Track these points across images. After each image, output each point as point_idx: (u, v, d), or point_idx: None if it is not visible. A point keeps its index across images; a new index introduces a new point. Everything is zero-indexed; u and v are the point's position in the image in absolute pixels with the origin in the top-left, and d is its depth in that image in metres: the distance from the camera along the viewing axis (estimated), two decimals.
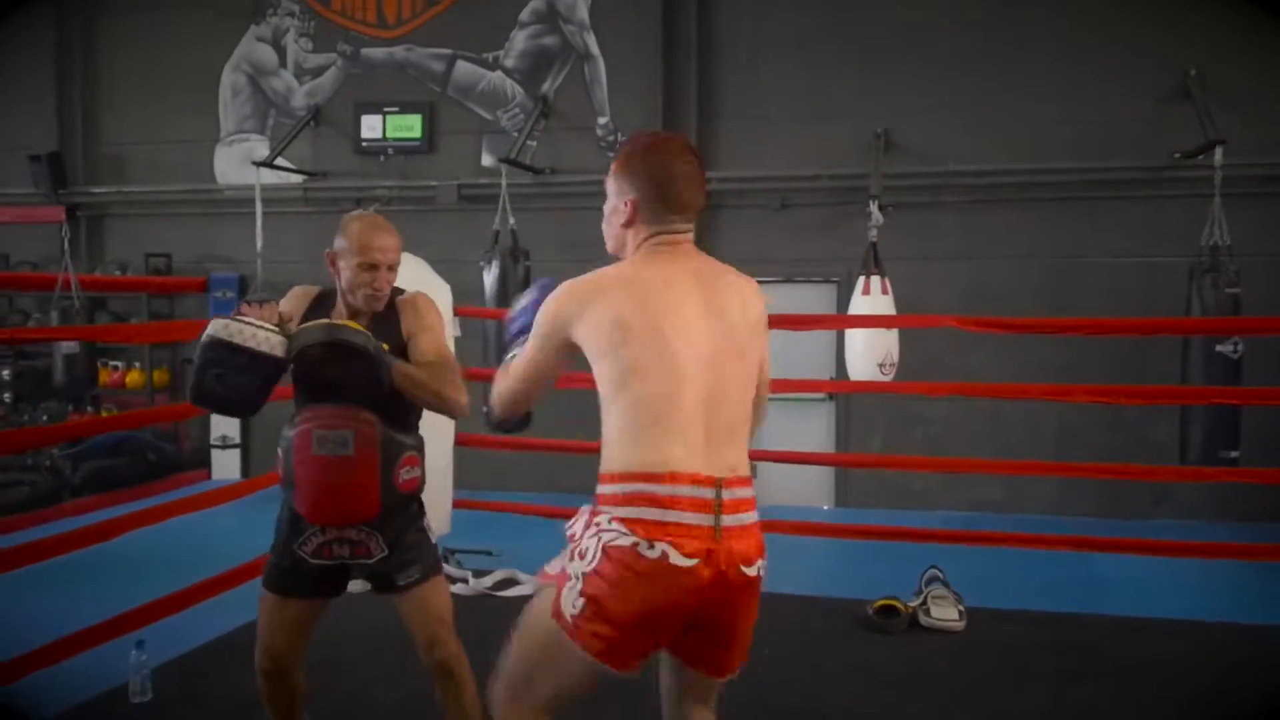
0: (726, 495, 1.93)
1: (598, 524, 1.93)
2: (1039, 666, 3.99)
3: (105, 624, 3.72)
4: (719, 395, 1.98)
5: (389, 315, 2.71)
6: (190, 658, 4.06)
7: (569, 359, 2.10)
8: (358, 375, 2.53)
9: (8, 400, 9.06)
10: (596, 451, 2.02)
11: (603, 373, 1.99)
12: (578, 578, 1.92)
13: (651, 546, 1.87)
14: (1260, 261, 6.69)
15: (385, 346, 2.57)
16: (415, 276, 4.07)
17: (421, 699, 2.90)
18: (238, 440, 9.09)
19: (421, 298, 2.82)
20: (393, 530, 2.69)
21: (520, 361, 2.17)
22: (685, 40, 8.25)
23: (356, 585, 2.78)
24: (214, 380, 2.54)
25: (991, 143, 7.70)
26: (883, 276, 6.54)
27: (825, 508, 8.03)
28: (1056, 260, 7.63)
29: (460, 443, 5.23)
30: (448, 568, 4.97)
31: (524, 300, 2.33)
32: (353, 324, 2.58)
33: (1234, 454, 6.21)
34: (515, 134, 8.50)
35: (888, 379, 6.42)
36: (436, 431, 4.66)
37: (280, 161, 8.78)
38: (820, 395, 8.11)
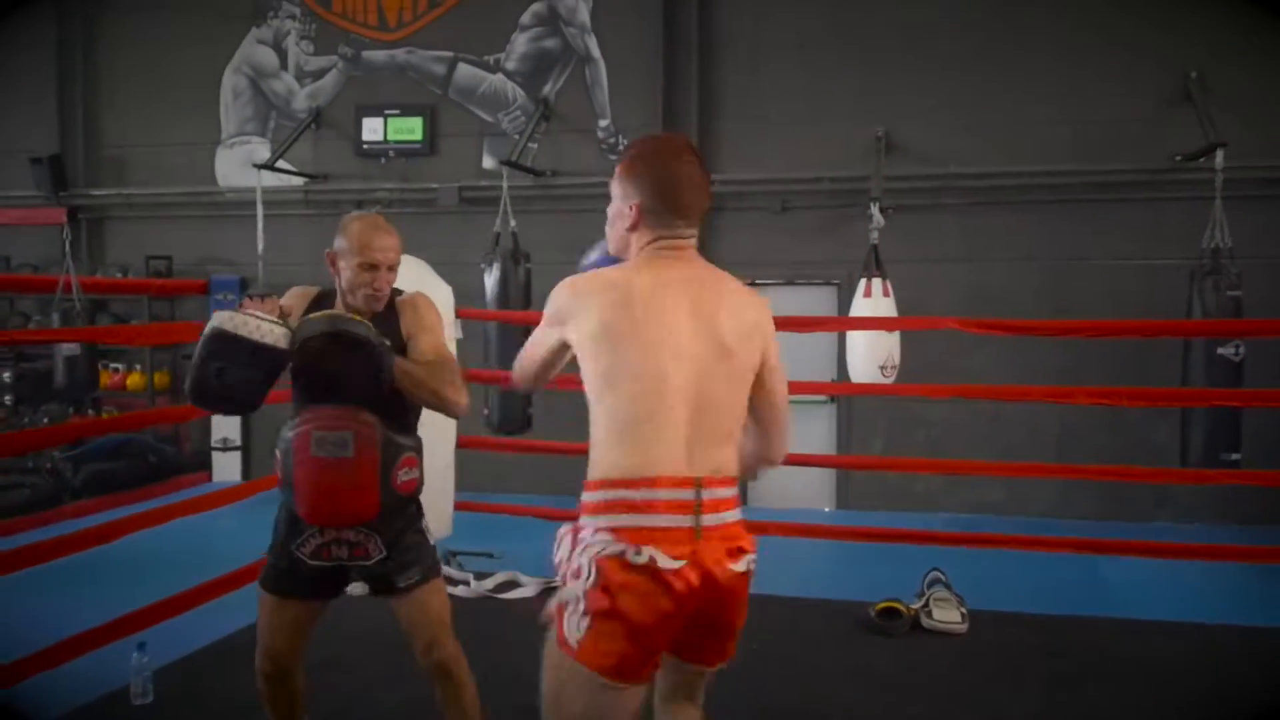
0: (706, 495, 1.95)
1: (583, 540, 1.93)
2: (1040, 669, 3.99)
3: (106, 626, 3.72)
4: (703, 401, 1.98)
5: (388, 315, 2.71)
6: (191, 660, 4.06)
7: (567, 351, 2.11)
8: (359, 369, 2.53)
9: (8, 402, 9.07)
10: None
11: (588, 374, 2.01)
12: (578, 598, 1.91)
13: (639, 552, 1.88)
14: (1261, 264, 6.69)
15: (387, 342, 2.57)
16: (416, 278, 4.06)
17: (421, 700, 2.90)
18: (238, 443, 9.09)
19: (421, 298, 2.82)
20: (391, 532, 2.69)
21: (531, 339, 2.20)
22: (686, 43, 8.25)
23: (356, 588, 2.78)
24: (214, 376, 2.53)
25: (992, 145, 7.71)
26: (884, 279, 6.54)
27: (826, 510, 8.03)
28: (1057, 263, 7.63)
29: (462, 445, 5.23)
30: (449, 570, 4.97)
31: (593, 254, 2.33)
32: (355, 316, 2.59)
33: (1235, 456, 6.20)
34: (516, 136, 8.50)
35: (889, 381, 6.42)
36: (438, 433, 4.66)
37: (281, 164, 8.78)
38: (821, 397, 8.11)
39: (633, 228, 2.10)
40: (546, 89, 8.62)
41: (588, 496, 1.98)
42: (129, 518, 4.08)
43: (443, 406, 2.66)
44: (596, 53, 8.51)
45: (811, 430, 7.99)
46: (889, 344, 6.41)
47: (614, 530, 1.90)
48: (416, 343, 2.69)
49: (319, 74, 9.13)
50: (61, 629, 3.63)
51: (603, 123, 8.52)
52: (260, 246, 8.49)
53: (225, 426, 9.06)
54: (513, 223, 7.36)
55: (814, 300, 8.00)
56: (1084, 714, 3.64)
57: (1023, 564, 5.44)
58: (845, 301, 7.60)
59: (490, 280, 7.16)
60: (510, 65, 8.72)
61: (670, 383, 1.95)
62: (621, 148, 8.43)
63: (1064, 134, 7.60)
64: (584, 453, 2.02)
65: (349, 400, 2.59)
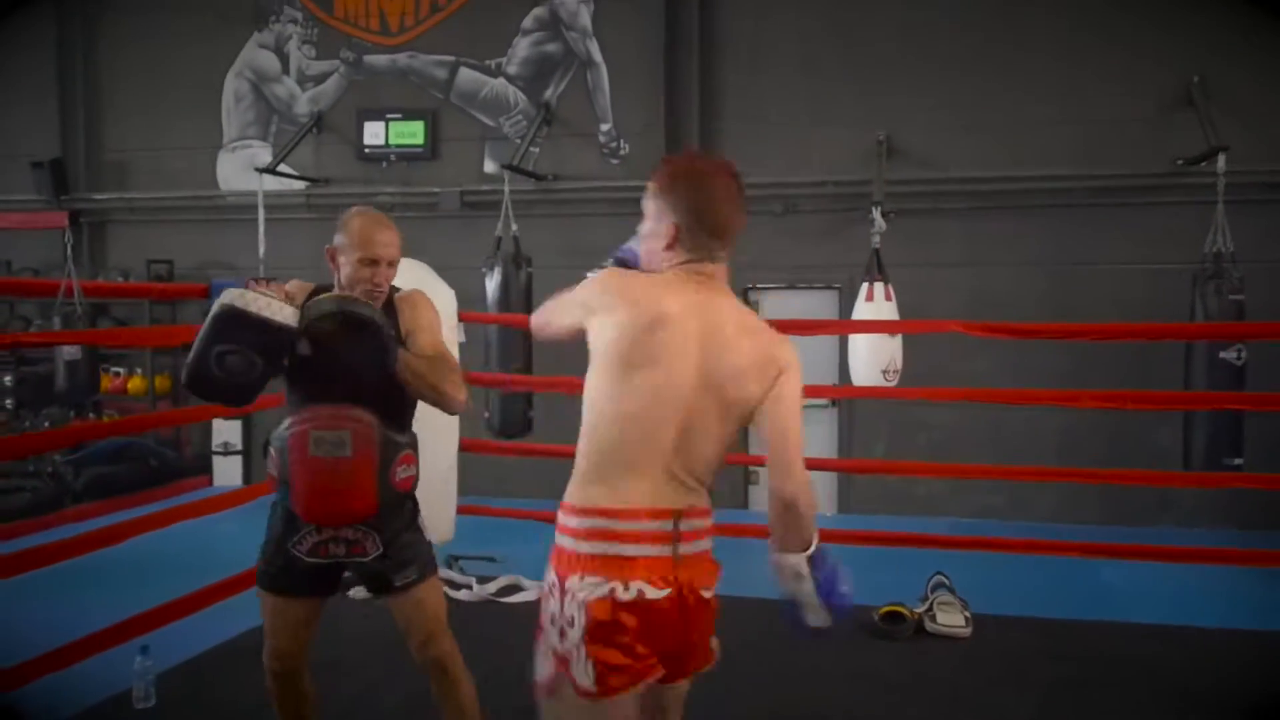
0: (684, 526, 1.97)
1: (569, 589, 1.94)
2: (1043, 672, 3.99)
3: (109, 629, 3.72)
4: (692, 436, 1.98)
5: (387, 312, 2.70)
6: (194, 663, 4.06)
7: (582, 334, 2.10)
8: (365, 352, 2.52)
9: (9, 406, 9.06)
10: None
11: (589, 385, 2.02)
12: (578, 646, 1.92)
13: (627, 588, 1.91)
14: (1263, 268, 6.69)
15: (392, 331, 2.57)
16: (418, 281, 4.06)
17: (424, 700, 2.89)
18: (239, 446, 9.08)
19: (419, 295, 2.82)
20: (389, 529, 2.68)
21: (559, 303, 2.18)
22: (687, 47, 8.25)
23: (358, 592, 2.78)
24: (215, 360, 2.50)
25: (993, 148, 7.71)
26: (886, 283, 6.53)
27: (828, 514, 8.02)
28: (1059, 267, 7.63)
29: (464, 448, 5.24)
30: (451, 574, 4.97)
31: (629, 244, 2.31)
32: (361, 299, 2.58)
33: (1237, 460, 6.20)
34: (518, 141, 8.51)
35: (891, 385, 6.41)
36: (440, 437, 4.67)
37: (283, 168, 8.78)
38: (823, 401, 8.10)
39: (669, 247, 2.08)
40: (548, 93, 8.63)
41: (567, 520, 1.99)
42: (131, 521, 4.09)
43: (441, 401, 2.65)
44: (598, 57, 8.52)
45: (813, 434, 7.90)
46: (891, 348, 6.41)
47: (596, 563, 1.92)
48: (415, 339, 2.69)
49: (320, 78, 9.14)
50: (64, 633, 3.63)
51: (604, 127, 8.52)
52: (261, 250, 8.49)
53: (226, 431, 9.07)
54: (514, 227, 7.37)
55: (815, 304, 8.00)
56: (1086, 717, 3.64)
57: (1026, 568, 5.44)
58: (847, 305, 7.60)
59: (491, 284, 7.17)
60: (512, 69, 8.73)
61: (664, 426, 1.96)
62: (623, 152, 8.44)
63: (1065, 137, 7.59)
64: None
65: (350, 390, 2.58)
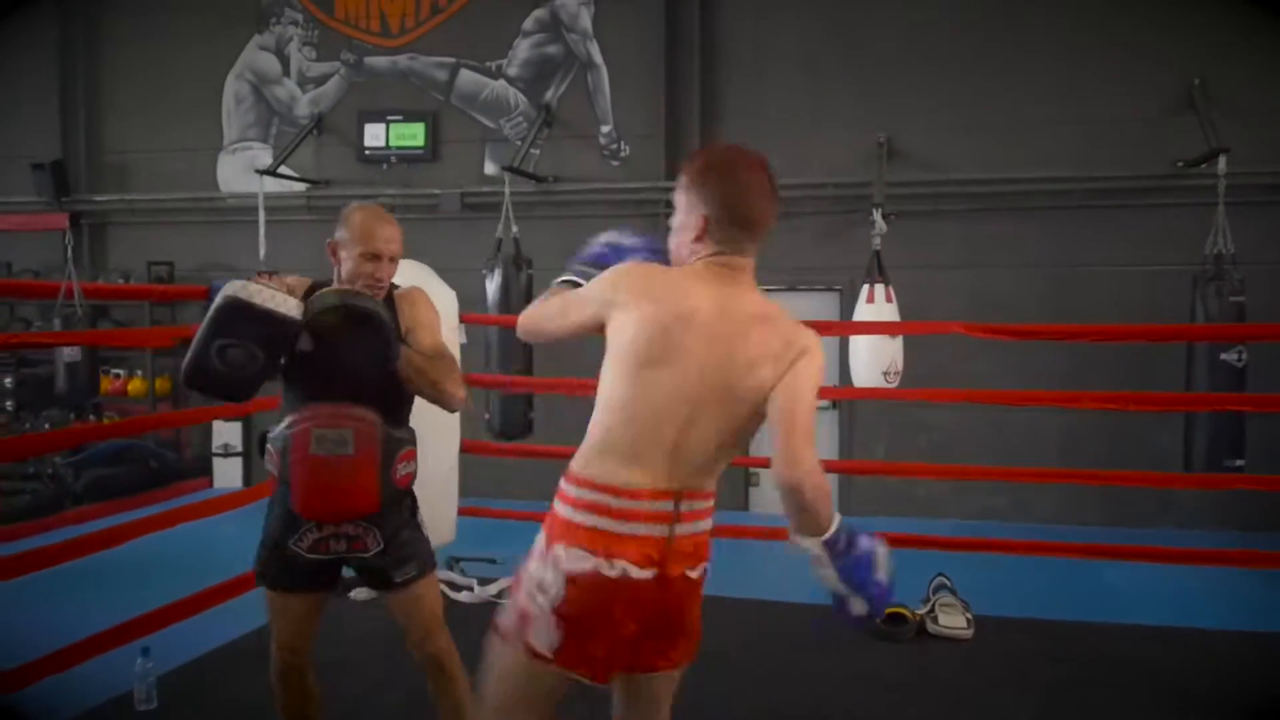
0: (685, 507, 1.97)
1: (555, 555, 1.95)
2: (1045, 674, 3.99)
3: (110, 631, 3.72)
4: (699, 428, 1.97)
5: (387, 308, 2.69)
6: (195, 665, 4.06)
7: (594, 332, 2.09)
8: (368, 346, 2.52)
9: (10, 408, 9.06)
10: None
11: (605, 370, 2.01)
12: (546, 612, 1.94)
13: (611, 565, 1.91)
14: (1264, 270, 6.69)
15: (393, 326, 2.57)
16: (419, 283, 4.05)
17: (425, 699, 2.89)
18: (240, 448, 9.08)
19: (418, 292, 2.82)
20: (389, 525, 2.69)
21: (564, 301, 2.14)
22: (688, 48, 8.26)
23: (360, 593, 2.78)
24: (216, 354, 2.48)
25: (994, 149, 7.71)
26: (887, 285, 6.54)
27: None
28: (1060, 269, 7.63)
29: (464, 450, 5.23)
30: (452, 575, 4.97)
31: (604, 238, 2.28)
32: (364, 292, 2.58)
33: (1239, 462, 6.20)
34: (518, 142, 8.51)
35: (892, 386, 6.41)
36: (441, 439, 4.68)
37: (283, 170, 8.79)
38: (824, 402, 8.10)
39: (699, 239, 2.05)
40: (548, 95, 8.63)
41: (567, 488, 2.00)
42: (132, 523, 4.08)
43: (441, 398, 2.66)
44: (599, 59, 8.53)
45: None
46: (892, 349, 6.41)
47: (587, 535, 1.93)
48: (415, 336, 2.70)
49: (321, 80, 9.15)
50: (65, 635, 3.62)
51: (605, 128, 8.52)
52: (262, 252, 8.48)
53: (226, 433, 9.07)
54: (515, 228, 7.37)
55: (816, 306, 8.00)
56: (1088, 719, 3.64)
57: (1027, 569, 5.44)
58: (847, 307, 7.59)
59: (492, 286, 7.17)
60: (512, 71, 8.73)
61: (676, 419, 1.96)
62: (623, 154, 8.44)
63: (1066, 138, 7.59)
64: None
65: (350, 387, 2.58)
